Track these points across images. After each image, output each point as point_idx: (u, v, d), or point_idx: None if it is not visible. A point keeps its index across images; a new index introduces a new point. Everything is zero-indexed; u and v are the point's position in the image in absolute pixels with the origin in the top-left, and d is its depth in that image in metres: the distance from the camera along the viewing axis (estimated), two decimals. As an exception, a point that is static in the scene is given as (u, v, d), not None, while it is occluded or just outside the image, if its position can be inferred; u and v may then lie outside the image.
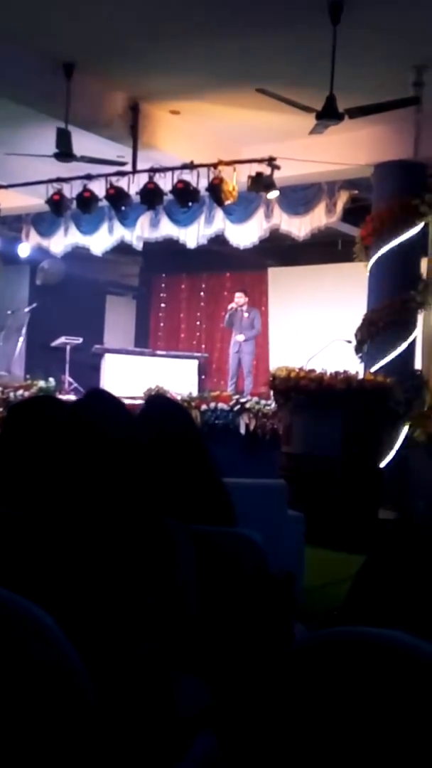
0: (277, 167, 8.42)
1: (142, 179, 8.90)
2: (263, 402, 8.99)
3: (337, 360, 7.97)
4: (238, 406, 9.06)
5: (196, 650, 1.73)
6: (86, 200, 9.14)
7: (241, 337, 11.28)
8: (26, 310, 12.60)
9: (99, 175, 9.01)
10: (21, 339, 12.51)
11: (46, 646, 1.32)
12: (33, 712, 1.34)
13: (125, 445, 1.63)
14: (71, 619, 1.38)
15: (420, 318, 8.78)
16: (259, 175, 8.49)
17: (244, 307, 11.36)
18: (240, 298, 11.39)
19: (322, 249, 11.82)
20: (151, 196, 8.81)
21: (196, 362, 12.04)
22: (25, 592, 1.38)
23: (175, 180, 8.68)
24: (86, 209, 9.32)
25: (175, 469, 2.12)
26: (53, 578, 1.46)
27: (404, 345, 8.56)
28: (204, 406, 9.08)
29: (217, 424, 8.90)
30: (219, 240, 10.73)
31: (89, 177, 9.06)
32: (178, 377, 10.97)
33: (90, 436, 1.58)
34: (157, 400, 2.52)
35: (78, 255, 11.98)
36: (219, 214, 10.22)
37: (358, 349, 8.79)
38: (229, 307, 11.58)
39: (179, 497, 2.05)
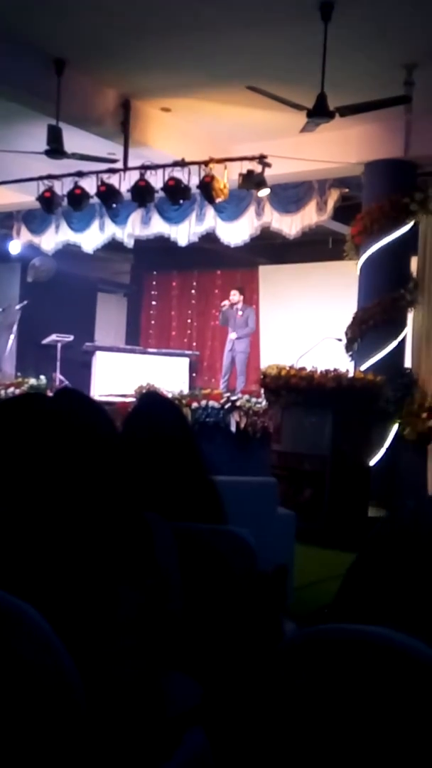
0: (268, 165, 8.43)
1: (133, 176, 8.89)
2: (254, 400, 9.00)
3: (328, 358, 7.99)
4: (229, 404, 9.06)
5: (185, 647, 1.74)
6: (77, 197, 9.12)
7: (233, 335, 11.32)
8: (17, 307, 12.57)
9: (90, 173, 9.00)
10: (12, 336, 12.48)
11: (34, 642, 1.32)
12: (20, 708, 1.34)
13: (99, 438, 1.63)
14: (57, 614, 1.38)
15: (410, 316, 8.81)
16: (250, 172, 8.49)
17: (239, 305, 11.40)
18: (234, 296, 11.44)
19: (313, 247, 11.85)
20: (142, 194, 8.80)
21: (187, 360, 12.04)
22: (11, 588, 1.37)
23: (166, 177, 8.68)
24: (77, 206, 9.31)
25: (165, 467, 2.12)
26: (37, 573, 1.46)
27: (394, 343, 8.59)
28: (195, 404, 9.08)
29: (207, 422, 8.90)
30: (210, 238, 10.73)
31: (80, 174, 9.05)
32: (169, 375, 10.96)
33: (62, 430, 1.58)
34: (150, 398, 2.52)
35: (69, 252, 11.96)
36: (210, 211, 10.22)
37: (348, 347, 8.81)
38: (222, 304, 11.60)
39: (169, 495, 2.05)
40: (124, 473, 1.66)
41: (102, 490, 1.56)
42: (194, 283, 15.27)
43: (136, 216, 10.85)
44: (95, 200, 9.32)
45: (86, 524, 1.51)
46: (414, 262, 8.92)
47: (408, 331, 8.82)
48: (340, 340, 8.85)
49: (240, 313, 11.38)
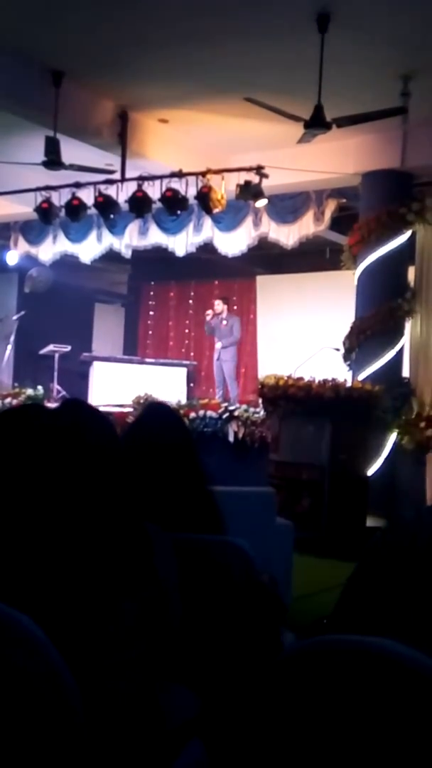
0: (266, 176, 8.45)
1: (130, 187, 8.91)
2: (252, 410, 8.98)
3: (326, 368, 8.00)
4: (227, 414, 9.05)
5: (184, 659, 1.73)
6: (75, 208, 9.13)
7: (218, 345, 11.41)
8: (14, 317, 12.57)
9: (87, 183, 9.01)
10: (9, 347, 12.47)
11: (32, 655, 1.32)
12: (19, 720, 1.33)
13: (103, 451, 1.63)
14: (55, 626, 1.37)
15: (407, 326, 8.82)
16: (247, 183, 8.51)
17: (223, 315, 11.51)
18: (218, 305, 11.54)
19: (311, 257, 11.86)
20: (139, 204, 8.82)
21: (184, 370, 12.04)
22: (9, 600, 1.37)
23: (164, 188, 8.69)
24: (75, 217, 9.32)
25: (166, 477, 2.11)
26: (36, 586, 1.45)
27: (392, 353, 8.59)
28: (192, 414, 9.06)
29: (205, 431, 8.88)
30: (207, 248, 10.75)
31: (78, 185, 9.06)
32: (166, 385, 10.96)
33: (66, 443, 1.58)
34: (154, 407, 2.52)
35: (66, 263, 11.97)
36: (207, 222, 10.24)
37: (346, 357, 8.81)
38: (207, 314, 11.67)
39: (169, 505, 2.05)
40: (125, 485, 1.65)
41: (103, 502, 1.56)
42: (192, 293, 15.28)
43: (133, 227, 10.87)
44: (93, 211, 9.34)
45: (86, 536, 1.50)
46: (411, 272, 8.93)
47: (406, 341, 8.83)
48: (337, 349, 8.85)
49: (224, 322, 11.53)
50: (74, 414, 1.69)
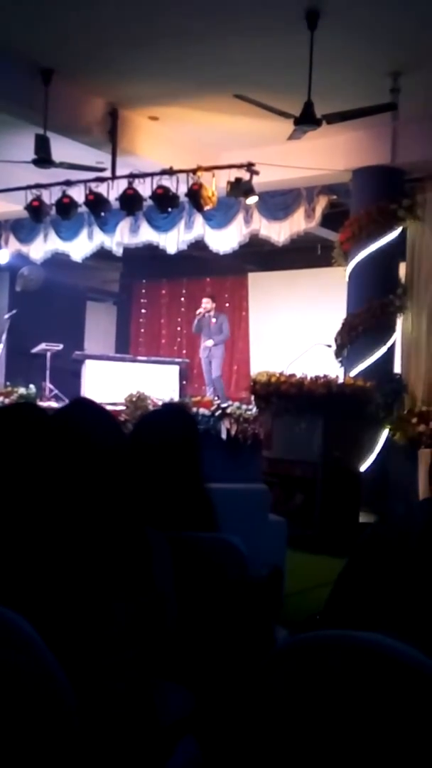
0: (256, 173, 8.44)
1: (121, 185, 8.89)
2: (244, 407, 8.98)
3: (318, 364, 8.00)
4: (219, 411, 9.05)
5: (177, 656, 1.73)
6: (65, 206, 9.11)
7: (210, 342, 11.47)
8: (6, 316, 12.52)
9: (78, 181, 8.99)
10: (1, 346, 12.43)
11: (26, 655, 1.32)
12: (13, 720, 1.33)
13: (109, 454, 1.62)
14: (50, 627, 1.37)
15: (399, 322, 8.83)
16: (238, 180, 8.51)
17: (212, 312, 11.53)
18: (207, 303, 11.56)
19: (302, 254, 11.87)
20: (130, 202, 8.80)
21: (177, 368, 12.00)
22: (4, 601, 1.37)
23: (155, 186, 8.68)
24: (65, 215, 9.30)
25: (164, 475, 2.12)
26: (32, 586, 1.45)
27: (383, 349, 8.61)
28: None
29: (198, 429, 8.88)
30: (199, 245, 10.74)
31: (68, 183, 9.04)
32: (159, 383, 10.93)
33: (74, 444, 1.57)
34: (167, 406, 2.55)
35: (58, 261, 11.94)
36: (199, 219, 10.23)
37: (337, 354, 8.82)
38: (197, 312, 11.67)
39: (164, 502, 2.05)
40: (130, 488, 1.64)
41: (103, 504, 1.56)
42: (183, 291, 15.26)
43: (124, 224, 10.85)
44: (83, 209, 9.31)
45: (83, 538, 1.50)
46: (402, 268, 8.95)
47: (397, 337, 8.84)
48: (329, 346, 8.86)
49: (213, 320, 11.54)
50: (79, 414, 1.69)
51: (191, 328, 14.92)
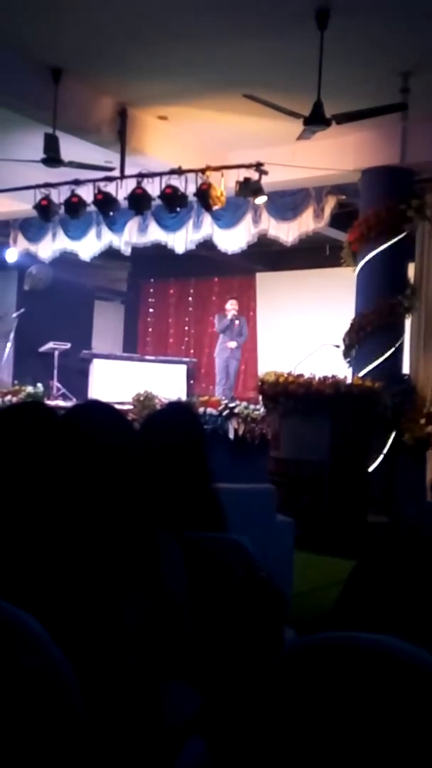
0: (265, 172, 8.44)
1: (130, 184, 8.90)
2: (252, 407, 8.99)
3: (326, 364, 7.99)
4: (227, 411, 9.05)
5: (186, 657, 1.73)
6: (74, 205, 9.12)
7: (233, 344, 11.52)
8: (14, 315, 12.56)
9: (87, 181, 9.00)
10: (9, 344, 12.47)
11: (37, 655, 1.31)
12: (23, 721, 1.33)
13: (121, 454, 1.62)
14: (61, 628, 1.37)
15: (407, 323, 8.81)
16: (246, 180, 8.50)
17: (236, 314, 11.61)
18: (234, 305, 11.67)
19: (310, 254, 11.86)
20: (139, 202, 8.81)
21: (184, 367, 12.04)
22: (16, 601, 1.37)
23: (163, 185, 8.68)
24: (74, 214, 9.31)
25: (172, 475, 2.11)
26: (43, 587, 1.45)
27: (392, 349, 8.59)
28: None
29: (206, 429, 8.87)
30: (207, 245, 10.74)
31: (77, 182, 9.06)
32: (166, 382, 10.95)
33: (83, 443, 1.57)
34: (172, 405, 2.55)
35: (66, 260, 11.96)
36: (207, 219, 10.23)
37: (346, 354, 8.81)
38: (228, 312, 11.69)
39: (172, 502, 2.05)
40: (139, 491, 1.63)
41: (111, 504, 1.55)
42: (191, 291, 15.27)
43: (133, 224, 10.86)
44: (92, 208, 9.32)
45: (93, 540, 1.50)
46: (411, 269, 8.93)
47: (405, 338, 8.82)
48: (337, 346, 8.85)
49: (237, 322, 11.61)
50: (89, 414, 1.68)
51: (199, 327, 14.99)
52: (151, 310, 15.75)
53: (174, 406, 2.51)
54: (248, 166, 8.47)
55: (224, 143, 9.10)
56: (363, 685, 1.16)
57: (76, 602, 1.44)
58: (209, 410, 9.11)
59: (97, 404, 1.79)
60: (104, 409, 1.75)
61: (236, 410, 9.05)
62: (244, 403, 9.21)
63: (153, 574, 1.58)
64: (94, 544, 1.49)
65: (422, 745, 1.11)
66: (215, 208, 8.85)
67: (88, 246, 11.43)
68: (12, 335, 12.49)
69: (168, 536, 1.72)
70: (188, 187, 8.70)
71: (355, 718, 1.16)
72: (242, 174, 8.53)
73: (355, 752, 1.17)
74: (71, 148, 8.03)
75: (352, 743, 1.17)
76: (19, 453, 1.55)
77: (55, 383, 11.62)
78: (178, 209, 9.08)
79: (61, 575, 1.46)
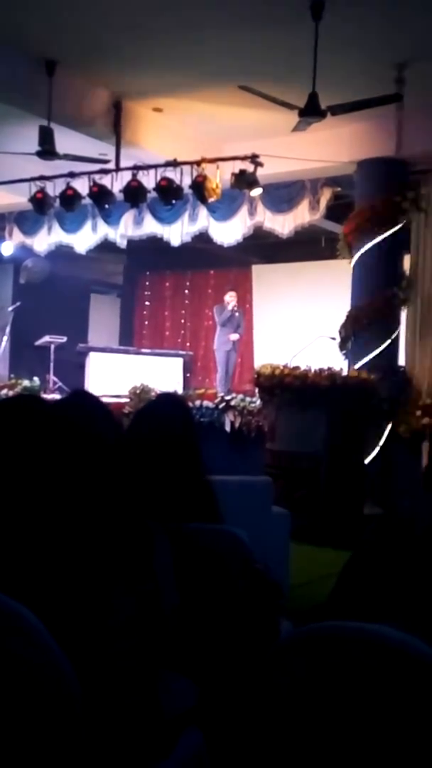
0: (261, 164, 8.42)
1: (125, 177, 8.88)
2: (248, 399, 9.00)
3: (322, 357, 8.00)
4: (224, 404, 9.06)
5: (182, 648, 1.74)
6: (69, 198, 9.10)
7: (235, 336, 11.54)
8: (10, 309, 12.54)
9: (82, 173, 8.98)
10: (5, 338, 12.45)
11: (31, 645, 1.32)
12: (18, 709, 1.33)
13: (108, 445, 1.62)
14: (54, 617, 1.37)
15: (403, 314, 8.82)
16: (242, 172, 8.49)
17: (235, 307, 11.62)
18: (233, 297, 11.67)
19: (306, 246, 11.85)
20: (134, 194, 8.80)
21: (181, 360, 12.05)
22: (8, 590, 1.37)
23: (159, 177, 8.66)
24: (69, 207, 9.29)
25: (165, 466, 2.12)
26: (35, 576, 1.45)
27: (388, 341, 8.59)
28: (189, 404, 9.07)
29: (202, 421, 8.89)
30: (203, 237, 10.72)
31: (72, 175, 9.03)
32: (163, 375, 10.96)
33: (72, 435, 1.57)
34: (162, 397, 2.55)
35: (62, 253, 11.93)
36: (203, 211, 10.21)
37: (342, 346, 8.81)
38: (227, 304, 11.65)
39: (166, 494, 2.05)
40: (128, 480, 1.65)
41: (104, 495, 1.56)
42: (187, 283, 15.26)
43: (128, 216, 10.83)
44: (87, 201, 9.30)
45: (85, 528, 1.50)
46: (407, 261, 8.93)
47: (401, 330, 8.83)
48: (333, 338, 8.85)
49: (236, 314, 11.60)
50: (78, 405, 1.69)
51: (195, 320, 14.98)
52: (147, 303, 15.73)
53: (163, 397, 2.51)
54: (243, 158, 8.45)
55: (219, 135, 9.07)
56: (359, 675, 1.17)
57: (68, 589, 1.45)
58: (206, 403, 9.12)
59: (83, 394, 1.79)
60: (90, 399, 1.76)
61: (232, 403, 9.06)
62: (241, 396, 9.22)
63: (144, 559, 1.59)
64: (83, 531, 1.50)
65: (417, 734, 1.11)
66: (211, 200, 8.83)
67: (84, 239, 11.40)
68: (8, 329, 12.47)
69: (153, 523, 1.73)
70: (184, 179, 8.68)
71: (352, 707, 1.17)
72: (237, 166, 8.51)
73: (351, 742, 1.18)
74: (66, 140, 8.00)
75: (349, 733, 1.17)
76: (10, 443, 1.56)
77: (52, 377, 11.62)
78: (174, 201, 9.07)
79: (52, 562, 1.46)
